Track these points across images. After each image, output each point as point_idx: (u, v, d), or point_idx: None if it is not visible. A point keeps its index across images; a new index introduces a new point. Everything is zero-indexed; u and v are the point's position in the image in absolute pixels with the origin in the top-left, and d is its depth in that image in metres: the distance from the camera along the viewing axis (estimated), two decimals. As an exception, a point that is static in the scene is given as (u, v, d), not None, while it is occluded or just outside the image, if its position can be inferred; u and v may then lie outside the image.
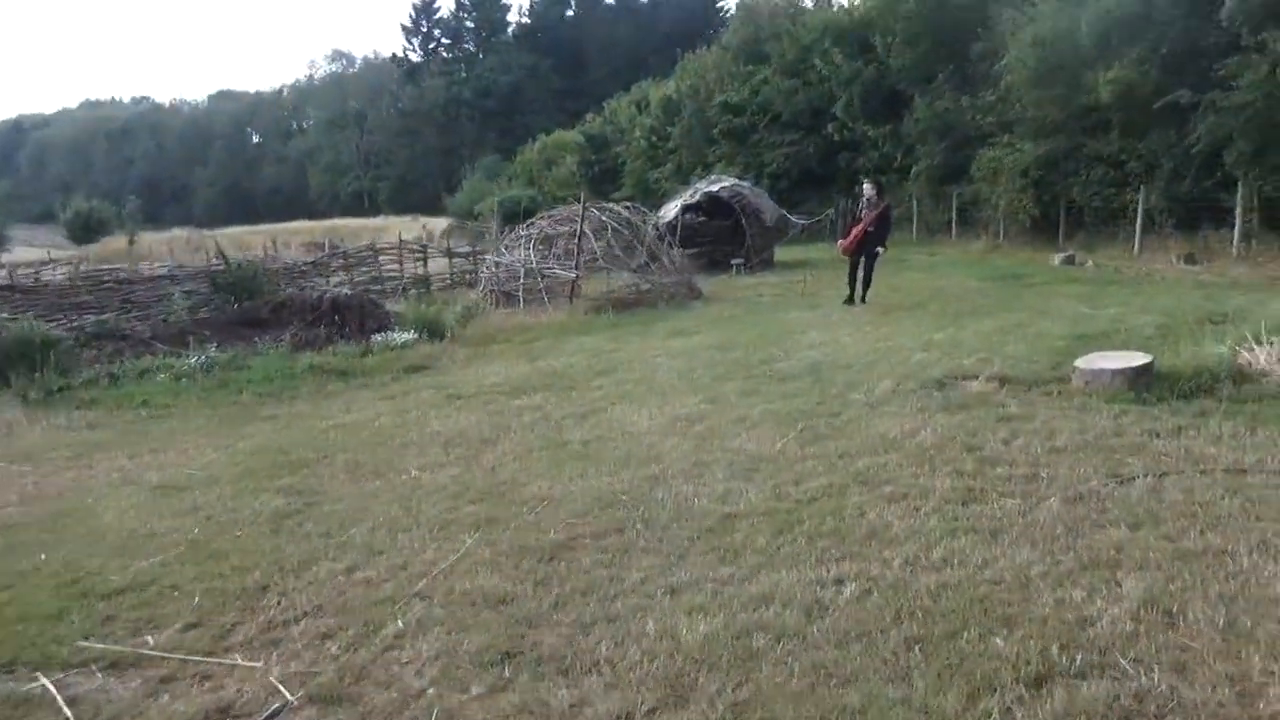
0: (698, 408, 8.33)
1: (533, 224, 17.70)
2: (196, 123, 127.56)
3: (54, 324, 13.37)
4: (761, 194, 24.71)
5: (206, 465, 7.50)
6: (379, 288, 19.47)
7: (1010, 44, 23.99)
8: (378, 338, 13.26)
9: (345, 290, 14.64)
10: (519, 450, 7.28)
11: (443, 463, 7.05)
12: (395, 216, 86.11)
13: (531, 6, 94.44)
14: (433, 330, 13.39)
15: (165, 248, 68.82)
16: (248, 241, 67.63)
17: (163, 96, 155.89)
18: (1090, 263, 19.99)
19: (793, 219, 25.59)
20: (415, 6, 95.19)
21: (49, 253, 67.04)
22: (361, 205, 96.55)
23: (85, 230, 71.68)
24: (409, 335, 13.27)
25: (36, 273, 15.72)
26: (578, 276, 15.89)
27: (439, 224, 61.19)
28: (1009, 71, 24.23)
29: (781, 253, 25.01)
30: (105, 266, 16.16)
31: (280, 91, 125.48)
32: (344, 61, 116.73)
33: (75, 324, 13.43)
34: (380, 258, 19.81)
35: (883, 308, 14.17)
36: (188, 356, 11.94)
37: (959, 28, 28.41)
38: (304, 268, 18.14)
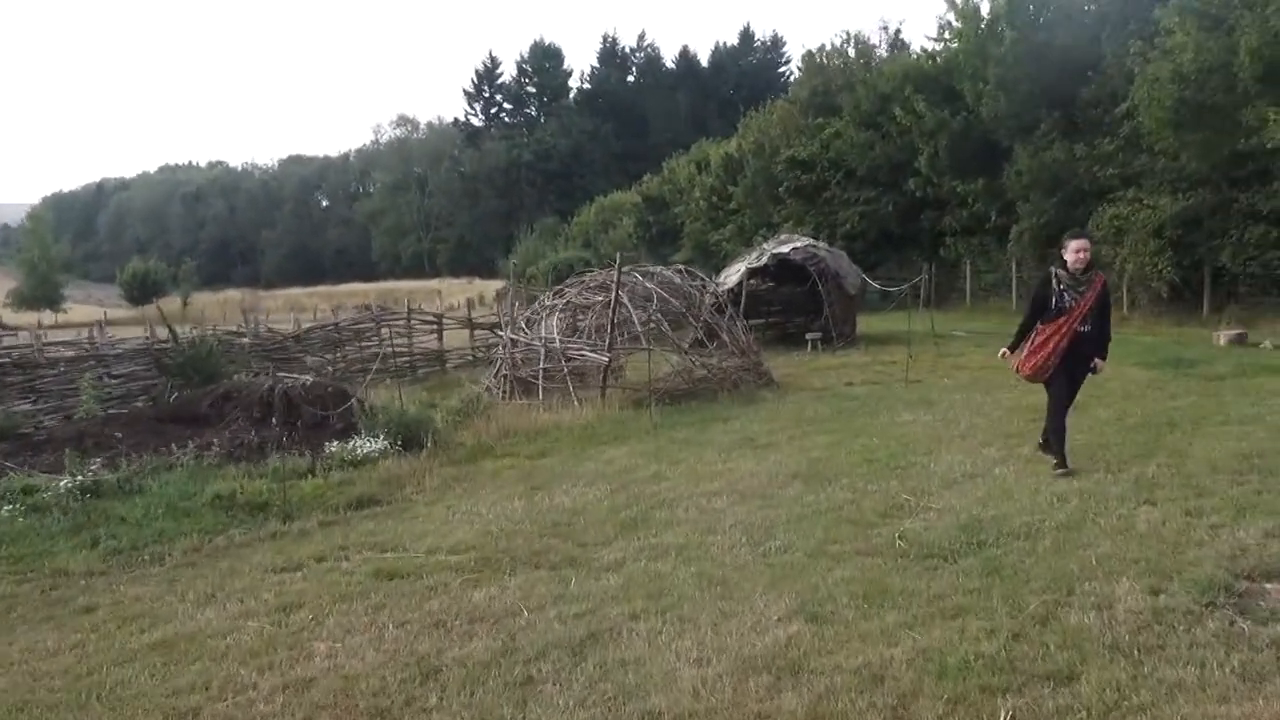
0: (788, 635, 4.46)
1: (561, 292, 14.00)
2: (267, 186, 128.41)
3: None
4: (840, 255, 20.81)
5: None
6: (378, 367, 15.89)
7: (1139, 82, 19.90)
8: (334, 446, 9.59)
9: (306, 379, 11.03)
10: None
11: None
12: (452, 278, 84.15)
13: (592, 71, 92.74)
14: (409, 437, 9.67)
15: (219, 309, 67.40)
16: (303, 303, 65.80)
17: (236, 161, 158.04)
18: (1267, 343, 15.60)
19: (874, 284, 21.61)
20: (478, 72, 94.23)
21: (105, 313, 65.91)
22: (422, 267, 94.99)
23: (141, 290, 70.38)
24: (377, 443, 9.56)
25: None
26: (611, 360, 12.09)
27: (495, 286, 58.51)
28: (1137, 114, 20.13)
29: (862, 324, 21.01)
30: (13, 343, 12.85)
31: (347, 156, 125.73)
32: (408, 126, 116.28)
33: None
34: (384, 330, 16.32)
35: (1030, 411, 10.12)
36: (58, 478, 8.35)
37: (1065, 69, 24.46)
38: (281, 343, 14.60)
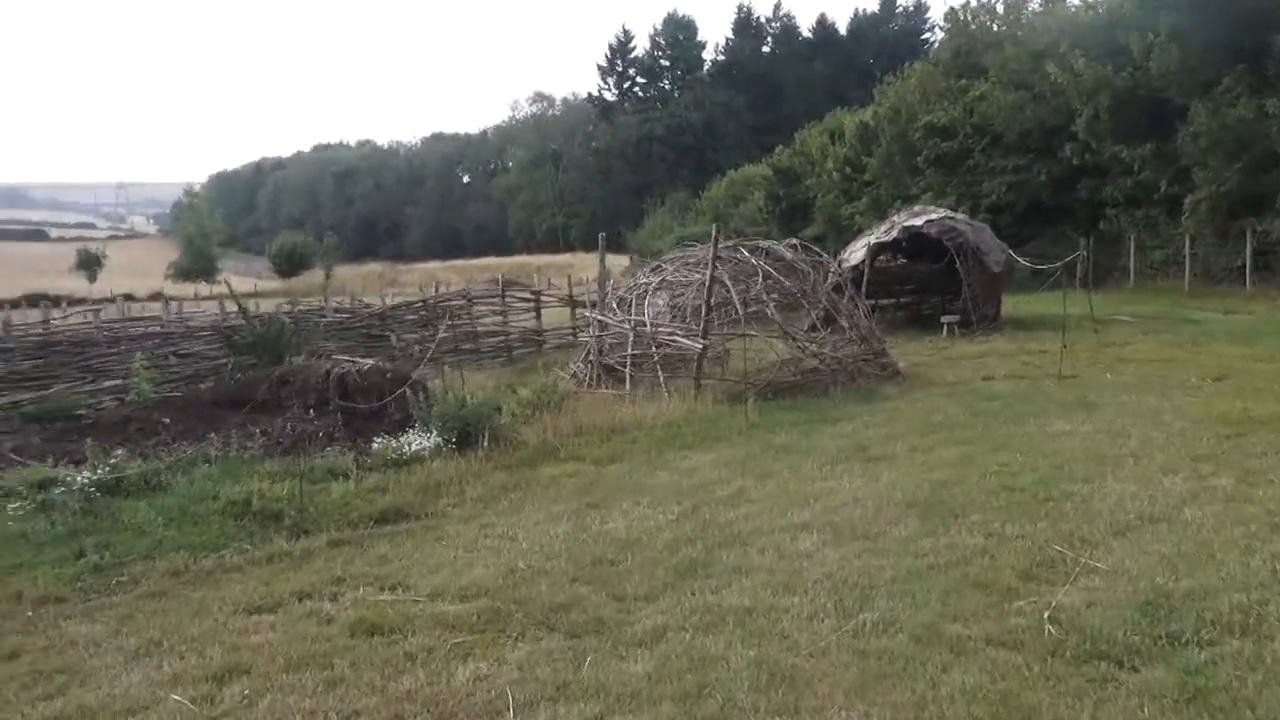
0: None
1: (659, 268, 12.48)
2: (411, 163, 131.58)
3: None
4: (983, 229, 18.46)
5: None
6: (470, 348, 14.79)
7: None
8: (379, 442, 8.41)
9: (365, 363, 9.91)
10: None
11: None
12: (584, 253, 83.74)
13: (726, 43, 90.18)
14: (464, 433, 8.39)
15: (360, 282, 69.05)
16: (438, 276, 66.57)
17: (383, 140, 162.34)
18: None
19: (1023, 262, 19.16)
20: (611, 47, 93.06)
21: (255, 284, 68.52)
22: (556, 242, 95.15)
23: (289, 263, 72.81)
24: (428, 440, 8.33)
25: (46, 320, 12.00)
26: (706, 348, 10.50)
27: (623, 262, 57.54)
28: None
29: (1008, 305, 18.65)
30: (61, 323, 12.16)
31: (486, 133, 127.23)
32: (544, 102, 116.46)
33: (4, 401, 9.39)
34: (476, 307, 15.20)
35: (1224, 422, 8.02)
36: (72, 475, 7.45)
37: (1254, 15, 21.10)
38: (366, 322, 13.59)
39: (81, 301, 53.70)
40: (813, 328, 11.93)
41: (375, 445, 8.39)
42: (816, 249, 13.59)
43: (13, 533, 6.57)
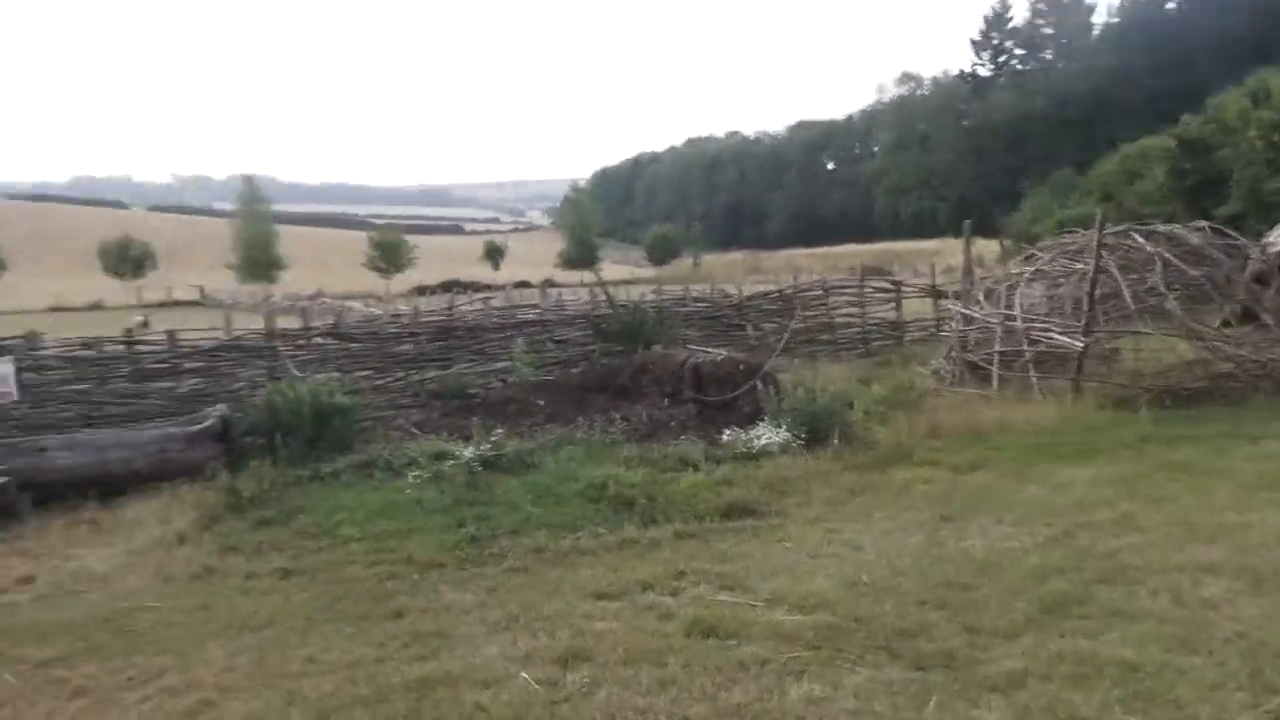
0: None
1: (1033, 256, 11.30)
2: (775, 151, 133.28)
3: (384, 379, 10.79)
4: None
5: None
6: (827, 338, 14.48)
7: None
8: (729, 435, 8.43)
9: (719, 354, 9.99)
10: None
11: None
12: (953, 238, 79.73)
13: (1121, 3, 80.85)
14: (815, 430, 8.16)
15: (725, 270, 71.25)
16: (801, 264, 66.84)
17: (750, 130, 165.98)
18: None
19: None
20: (986, 19, 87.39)
21: (631, 272, 73.28)
22: (923, 227, 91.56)
23: (661, 252, 77.01)
24: (777, 435, 8.21)
25: (450, 309, 13.60)
26: (1087, 346, 9.30)
27: (994, 247, 53.87)
28: None
29: None
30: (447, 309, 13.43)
31: (851, 118, 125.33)
32: (912, 83, 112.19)
33: (403, 379, 10.71)
34: (833, 297, 14.81)
35: None
36: (460, 450, 8.27)
37: None
38: (723, 311, 13.77)
39: (487, 287, 60.90)
40: (1226, 324, 10.19)
41: (725, 437, 8.42)
42: (1232, 232, 11.58)
43: (410, 499, 7.39)
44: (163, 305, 55.79)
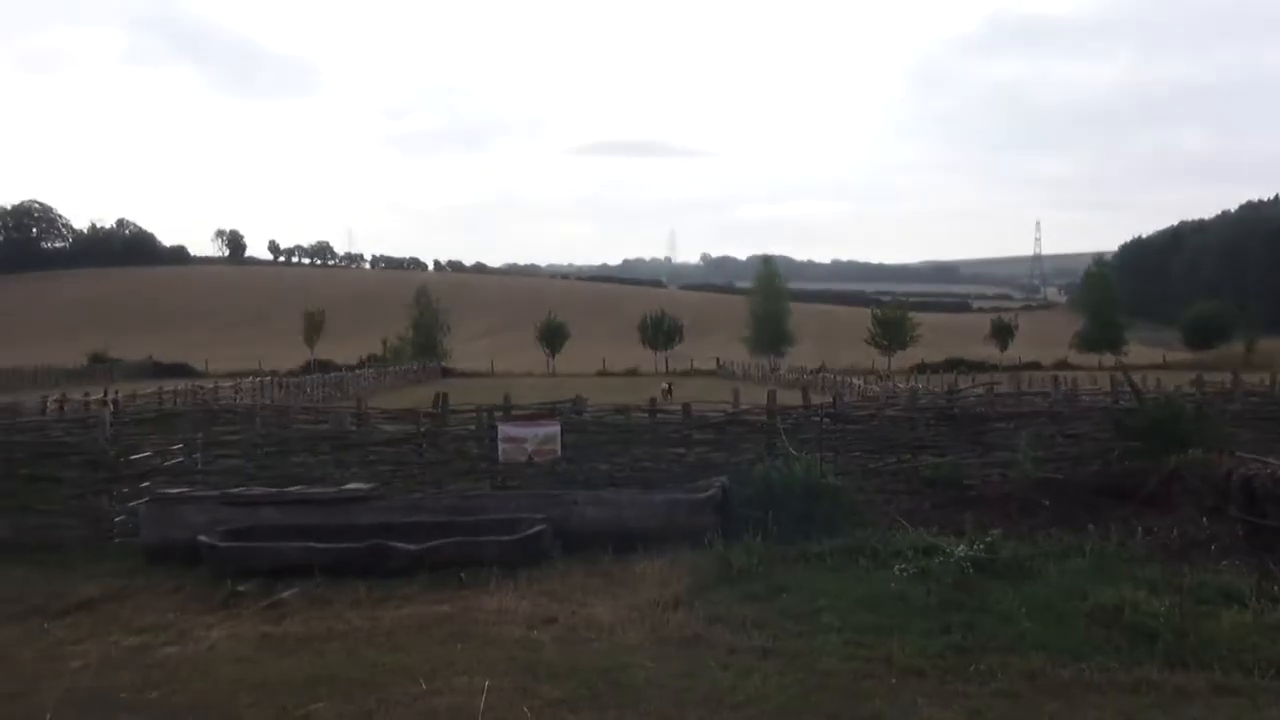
0: None
1: None
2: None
3: (876, 462, 10.64)
4: None
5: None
6: None
7: None
8: (1293, 567, 6.83)
9: (1280, 465, 8.16)
10: None
11: None
12: None
13: None
14: None
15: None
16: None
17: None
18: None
19: None
20: None
21: (1163, 356, 64.71)
22: None
23: (1201, 334, 66.94)
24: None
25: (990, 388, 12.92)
26: None
27: None
28: None
29: None
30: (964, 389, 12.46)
31: None
32: None
33: (895, 464, 10.41)
34: None
35: None
36: (951, 546, 7.79)
37: None
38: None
39: (993, 368, 58.03)
40: None
41: (1287, 569, 6.83)
42: None
43: (894, 594, 7.09)
44: (685, 374, 62.00)
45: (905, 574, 7.49)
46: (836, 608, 6.72)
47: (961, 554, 7.64)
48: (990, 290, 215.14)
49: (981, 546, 7.74)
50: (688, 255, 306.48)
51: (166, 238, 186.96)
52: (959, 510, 9.28)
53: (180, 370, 61.33)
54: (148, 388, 35.44)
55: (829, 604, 6.79)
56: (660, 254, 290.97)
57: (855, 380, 41.97)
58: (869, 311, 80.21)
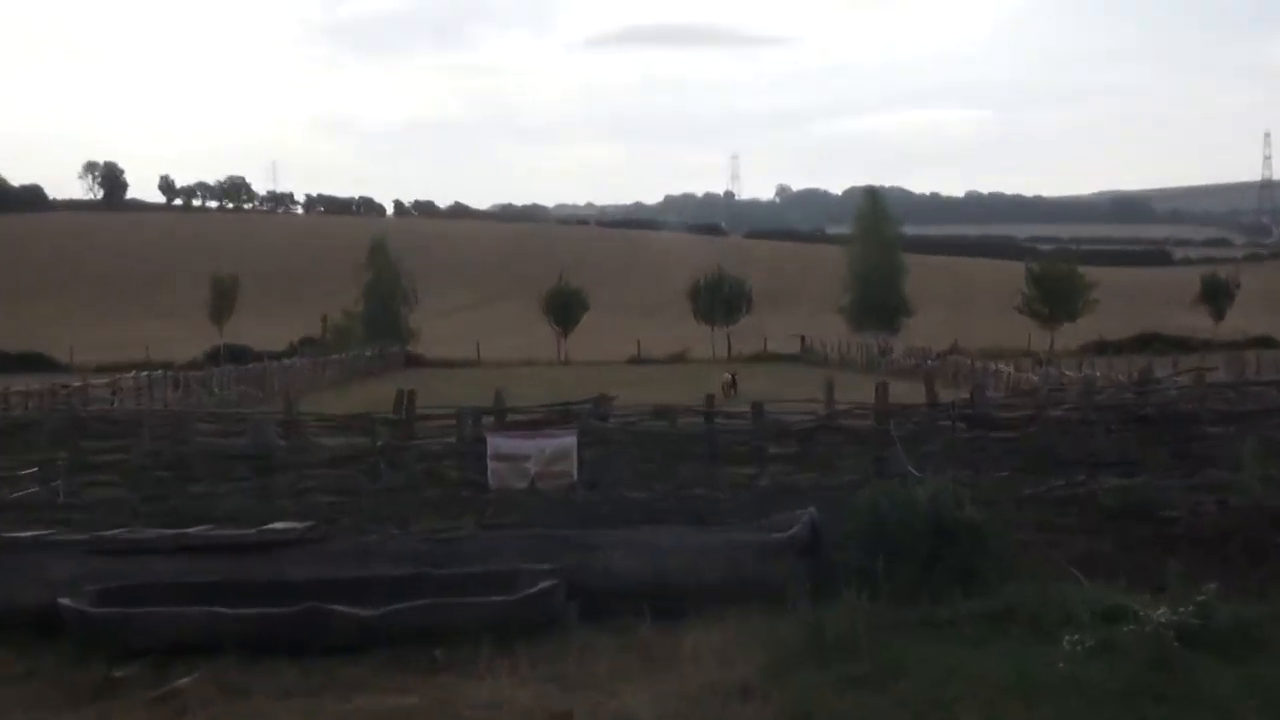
0: None
1: None
2: None
3: (1034, 486, 10.63)
4: None
5: None
6: None
7: None
8: None
9: None
10: None
11: None
12: None
13: None
14: None
15: None
16: None
17: None
18: None
19: None
20: None
21: None
22: None
23: None
24: None
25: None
26: None
27: None
28: None
29: None
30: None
31: None
32: None
33: (1063, 488, 10.41)
34: None
35: None
36: (1146, 608, 7.80)
37: None
38: None
39: (1204, 345, 57.34)
40: None
41: None
42: None
43: (1062, 677, 7.09)
44: (755, 359, 62.11)
45: (1079, 649, 7.52)
46: (976, 698, 6.80)
47: (1163, 619, 7.64)
48: (1199, 234, 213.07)
49: (1190, 608, 7.75)
50: (757, 189, 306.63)
51: (15, 174, 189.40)
52: (1157, 555, 9.41)
53: (34, 362, 62.21)
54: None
55: (965, 692, 6.87)
56: (718, 188, 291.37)
57: (1002, 367, 41.82)
58: (1022, 266, 79.67)
